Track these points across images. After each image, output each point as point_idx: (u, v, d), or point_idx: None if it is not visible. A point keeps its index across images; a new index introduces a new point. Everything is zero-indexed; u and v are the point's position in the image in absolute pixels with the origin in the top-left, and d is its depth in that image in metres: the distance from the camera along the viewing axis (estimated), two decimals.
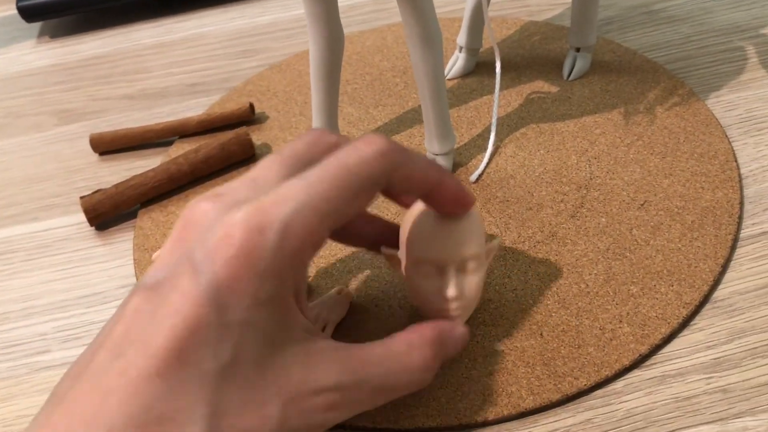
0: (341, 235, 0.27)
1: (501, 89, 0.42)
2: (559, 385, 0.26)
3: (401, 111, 0.41)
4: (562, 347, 0.28)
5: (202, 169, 0.37)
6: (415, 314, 0.30)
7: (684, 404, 0.26)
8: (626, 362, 0.27)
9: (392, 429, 0.26)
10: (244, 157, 0.39)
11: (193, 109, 0.45)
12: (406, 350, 0.22)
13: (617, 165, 0.35)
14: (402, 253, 0.26)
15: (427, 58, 0.32)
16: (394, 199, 0.27)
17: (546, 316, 0.29)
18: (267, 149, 0.40)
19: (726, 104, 0.39)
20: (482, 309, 0.29)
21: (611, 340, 0.28)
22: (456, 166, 0.37)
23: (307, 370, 0.20)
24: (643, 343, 0.27)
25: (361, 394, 0.21)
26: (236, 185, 0.21)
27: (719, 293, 0.29)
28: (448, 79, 0.43)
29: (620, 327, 0.28)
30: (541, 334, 0.28)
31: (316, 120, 0.37)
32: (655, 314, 0.28)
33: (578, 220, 0.33)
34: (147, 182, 0.37)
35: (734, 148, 0.36)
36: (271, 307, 0.19)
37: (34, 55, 0.53)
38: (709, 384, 0.26)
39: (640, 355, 0.27)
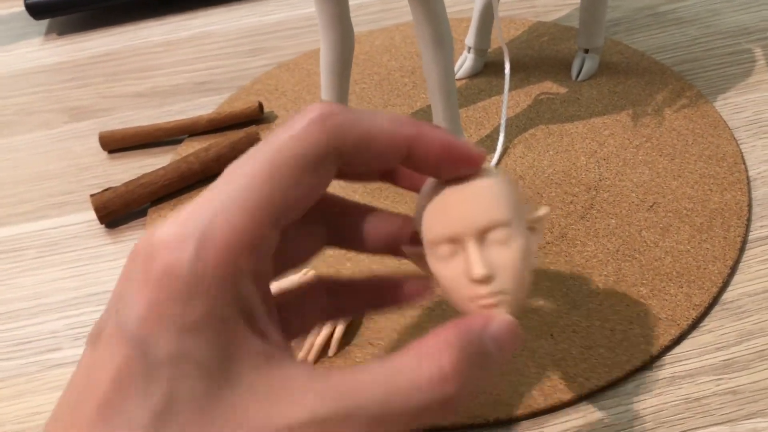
0: (352, 242, 0.23)
1: (509, 90, 0.42)
2: (570, 386, 0.27)
3: (410, 111, 0.41)
4: (573, 348, 0.28)
5: (212, 168, 0.38)
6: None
7: (694, 405, 0.26)
8: (637, 363, 0.27)
9: None
10: None
11: (203, 107, 0.45)
12: (415, 363, 0.17)
13: (626, 166, 0.36)
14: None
15: (438, 59, 0.32)
16: (386, 180, 0.22)
17: (556, 317, 0.29)
18: None
19: (734, 106, 0.39)
20: None
21: (622, 341, 0.28)
22: None
23: (271, 404, 0.16)
24: (653, 344, 0.28)
25: (355, 428, 0.16)
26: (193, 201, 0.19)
27: (728, 295, 0.30)
28: (457, 80, 0.43)
29: (631, 328, 0.28)
30: (551, 335, 0.28)
31: None
32: (664, 316, 0.29)
33: (588, 221, 0.33)
34: (157, 181, 0.37)
35: (742, 151, 0.36)
36: (207, 332, 0.16)
37: (43, 52, 0.53)
38: (718, 385, 0.26)
39: (650, 356, 0.27)
